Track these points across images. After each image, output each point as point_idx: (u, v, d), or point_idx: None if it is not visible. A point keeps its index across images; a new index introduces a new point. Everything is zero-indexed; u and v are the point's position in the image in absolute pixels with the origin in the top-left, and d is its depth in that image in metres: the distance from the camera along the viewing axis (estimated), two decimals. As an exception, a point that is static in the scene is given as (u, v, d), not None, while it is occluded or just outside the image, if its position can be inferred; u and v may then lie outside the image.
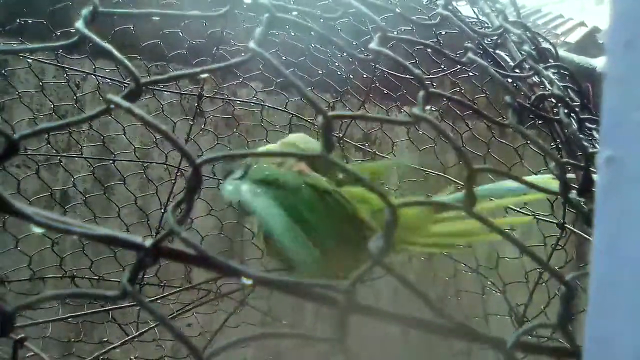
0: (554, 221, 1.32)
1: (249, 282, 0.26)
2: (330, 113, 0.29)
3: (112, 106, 0.26)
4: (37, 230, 0.24)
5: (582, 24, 2.58)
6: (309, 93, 0.29)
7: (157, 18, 1.39)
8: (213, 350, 0.26)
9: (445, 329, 0.30)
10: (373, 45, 0.34)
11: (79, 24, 0.28)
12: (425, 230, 0.86)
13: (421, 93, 0.33)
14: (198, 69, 0.29)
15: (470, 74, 1.43)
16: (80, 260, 1.43)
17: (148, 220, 1.46)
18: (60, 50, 1.38)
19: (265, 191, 0.75)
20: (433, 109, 1.72)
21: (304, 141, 0.92)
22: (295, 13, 0.35)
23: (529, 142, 1.52)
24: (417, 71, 0.32)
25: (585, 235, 1.32)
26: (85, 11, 0.29)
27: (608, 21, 0.24)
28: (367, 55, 1.49)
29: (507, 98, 0.37)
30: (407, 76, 1.45)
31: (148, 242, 0.25)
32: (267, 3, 0.30)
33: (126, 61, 0.27)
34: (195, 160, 0.26)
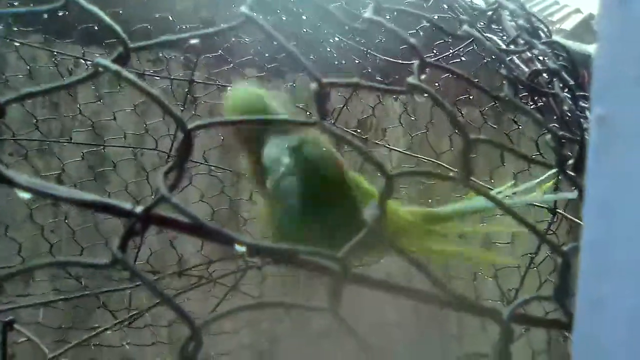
0: (546, 206, 1.32)
1: (242, 249, 0.25)
2: (324, 80, 0.29)
3: (100, 70, 0.25)
4: (24, 195, 0.23)
5: (577, 10, 2.57)
6: (304, 60, 0.28)
7: (146, 1, 1.35)
8: (206, 320, 0.26)
9: (443, 300, 0.30)
10: (368, 14, 0.33)
11: (65, -13, 0.27)
12: (419, 238, 0.88)
13: (416, 62, 0.32)
14: (187, 34, 0.29)
15: (463, 58, 1.42)
16: (72, 248, 1.42)
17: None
18: (48, 25, 1.36)
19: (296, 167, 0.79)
20: (425, 95, 1.71)
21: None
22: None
23: (520, 126, 1.52)
24: (412, 40, 0.32)
25: (576, 220, 1.33)
26: (71, -26, 0.28)
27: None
28: (360, 40, 1.48)
29: (503, 70, 0.37)
30: (400, 61, 1.44)
31: (139, 209, 0.25)
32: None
33: (114, 24, 0.26)
34: (187, 126, 0.25)
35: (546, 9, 2.60)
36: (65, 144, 1.47)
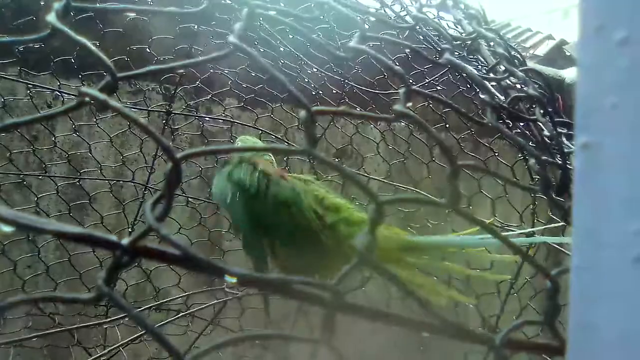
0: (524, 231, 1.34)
1: (233, 280, 0.25)
2: (314, 108, 0.29)
3: (86, 99, 0.25)
4: (6, 228, 0.22)
5: (549, 37, 2.65)
6: (293, 88, 0.28)
7: (124, 32, 1.36)
8: (195, 354, 0.25)
9: (435, 327, 0.29)
10: (353, 43, 0.33)
11: (51, 17, 0.26)
12: (397, 254, 0.84)
13: (402, 89, 0.33)
14: (174, 64, 0.28)
15: (439, 88, 1.45)
16: (49, 284, 1.39)
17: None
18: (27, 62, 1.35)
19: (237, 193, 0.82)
20: (403, 123, 1.74)
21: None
22: (273, 13, 0.34)
23: (496, 153, 1.54)
24: (397, 68, 0.32)
25: (554, 245, 1.35)
26: (57, 5, 0.28)
27: (579, 8, 0.24)
28: (338, 71, 1.50)
29: (485, 97, 0.37)
30: (377, 91, 1.46)
31: (125, 241, 0.24)
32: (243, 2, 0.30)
33: (101, 54, 0.26)
34: (175, 155, 0.25)
35: (520, 36, 2.68)
36: (42, 177, 1.44)
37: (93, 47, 0.26)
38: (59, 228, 0.23)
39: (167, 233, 0.23)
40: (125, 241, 0.24)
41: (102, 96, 0.24)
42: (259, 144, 1.01)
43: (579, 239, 0.26)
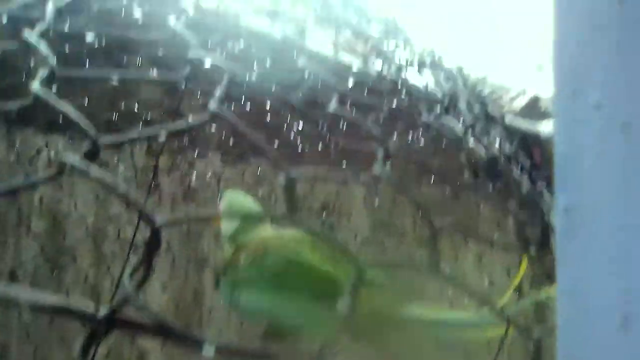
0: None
1: (211, 353, 0.24)
2: (293, 173, 0.29)
3: (66, 168, 0.25)
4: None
5: (523, 92, 2.72)
6: (273, 153, 0.29)
7: (112, 89, 1.37)
8: None
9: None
10: (332, 107, 0.34)
11: (35, 86, 0.27)
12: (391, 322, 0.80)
13: (380, 153, 0.33)
14: (156, 129, 0.29)
15: (422, 142, 1.47)
16: (26, 346, 1.34)
17: (98, 298, 1.39)
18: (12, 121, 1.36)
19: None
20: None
21: (239, 202, 0.96)
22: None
23: (480, 205, 1.55)
24: (375, 130, 0.33)
25: (541, 300, 1.34)
26: (42, 72, 0.28)
27: (553, 71, 0.25)
28: (323, 123, 1.52)
29: (462, 157, 0.38)
30: (363, 142, 1.48)
31: (102, 312, 0.24)
32: (225, 66, 0.31)
33: (82, 121, 0.26)
34: (155, 222, 0.25)
35: (495, 91, 2.75)
36: (20, 235, 1.41)
37: (76, 116, 0.26)
38: (33, 298, 0.23)
39: (144, 305, 0.23)
40: (102, 312, 0.24)
41: (83, 165, 0.24)
42: (247, 199, 0.98)
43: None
